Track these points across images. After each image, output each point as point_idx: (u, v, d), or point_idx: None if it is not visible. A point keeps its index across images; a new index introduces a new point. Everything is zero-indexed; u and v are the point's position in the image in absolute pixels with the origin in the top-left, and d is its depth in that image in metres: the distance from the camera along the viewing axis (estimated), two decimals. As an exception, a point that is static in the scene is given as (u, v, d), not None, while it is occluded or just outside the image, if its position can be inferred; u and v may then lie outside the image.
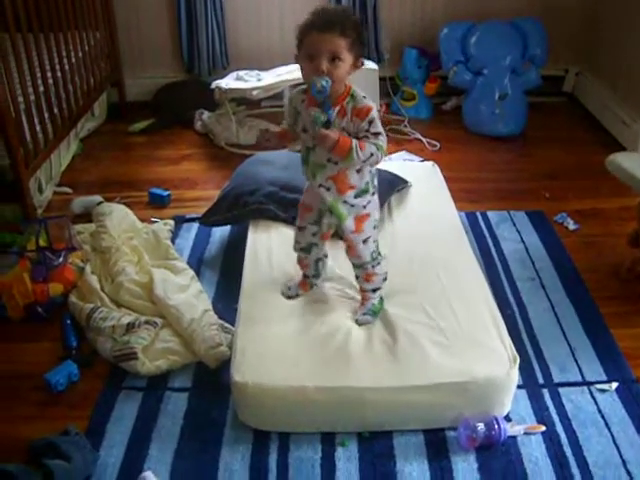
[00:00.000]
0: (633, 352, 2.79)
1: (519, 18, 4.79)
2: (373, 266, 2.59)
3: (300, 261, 2.74)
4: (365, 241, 2.52)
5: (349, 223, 2.47)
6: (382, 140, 2.28)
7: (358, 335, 2.51)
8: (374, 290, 2.64)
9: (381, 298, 2.67)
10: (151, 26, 5.11)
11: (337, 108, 2.26)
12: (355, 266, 2.63)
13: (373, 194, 2.48)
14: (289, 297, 2.72)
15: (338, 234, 2.65)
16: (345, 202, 2.41)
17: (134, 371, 2.66)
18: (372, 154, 2.26)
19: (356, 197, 2.42)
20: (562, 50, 5.14)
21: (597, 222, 3.70)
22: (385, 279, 2.65)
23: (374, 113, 2.27)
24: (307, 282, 2.75)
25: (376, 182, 2.48)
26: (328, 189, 2.40)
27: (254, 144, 4.42)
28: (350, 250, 2.57)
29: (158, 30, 5.13)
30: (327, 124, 2.23)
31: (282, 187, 3.25)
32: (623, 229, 3.43)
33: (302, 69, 2.26)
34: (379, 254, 2.60)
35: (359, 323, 2.59)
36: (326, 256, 2.75)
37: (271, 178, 3.33)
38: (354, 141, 2.24)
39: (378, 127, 2.28)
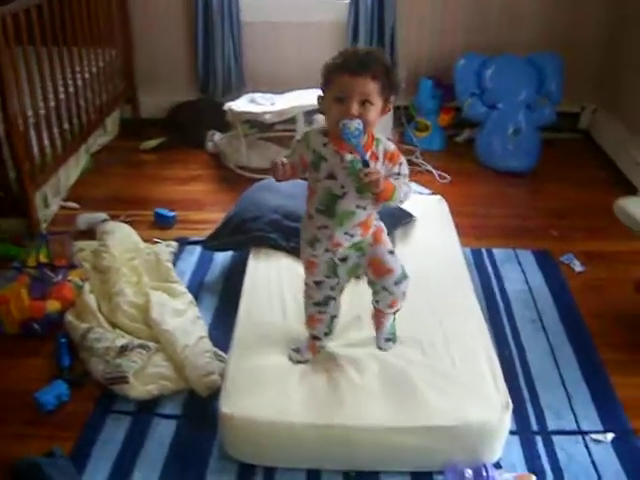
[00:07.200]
0: (632, 402, 2.73)
1: (536, 53, 4.76)
2: (402, 283, 2.42)
3: (311, 318, 2.54)
4: (392, 252, 2.43)
5: (368, 238, 2.37)
6: (407, 178, 2.31)
7: (351, 371, 2.48)
8: (395, 311, 2.53)
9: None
10: (168, 45, 5.13)
11: (369, 153, 2.20)
12: (384, 288, 2.43)
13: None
14: (299, 362, 2.54)
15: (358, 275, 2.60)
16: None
17: (124, 395, 2.65)
18: (406, 193, 2.28)
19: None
20: (579, 86, 5.08)
21: (604, 265, 3.63)
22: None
23: (402, 156, 2.30)
24: (316, 345, 2.57)
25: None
26: (352, 236, 2.32)
27: (264, 168, 4.40)
28: (380, 268, 2.40)
29: (174, 49, 5.15)
30: (366, 166, 2.14)
31: (285, 215, 3.23)
32: (630, 274, 3.39)
33: (328, 111, 2.19)
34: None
35: (383, 350, 2.56)
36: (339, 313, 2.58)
37: (275, 205, 3.32)
38: (394, 182, 2.24)
39: (406, 169, 2.30)
